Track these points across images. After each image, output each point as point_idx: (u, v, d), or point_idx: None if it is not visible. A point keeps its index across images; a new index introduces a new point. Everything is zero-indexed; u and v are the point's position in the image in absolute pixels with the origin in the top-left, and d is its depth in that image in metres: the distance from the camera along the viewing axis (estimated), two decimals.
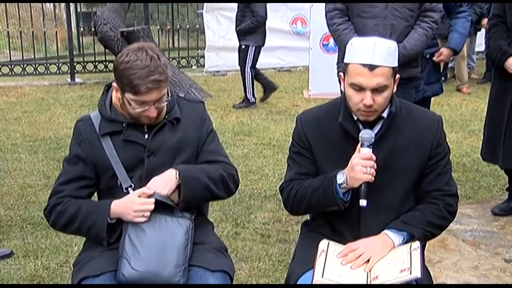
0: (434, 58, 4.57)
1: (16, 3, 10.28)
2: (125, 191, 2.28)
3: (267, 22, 10.80)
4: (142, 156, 2.29)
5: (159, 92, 2.17)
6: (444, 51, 4.60)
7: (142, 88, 2.13)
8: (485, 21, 8.63)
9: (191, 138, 2.37)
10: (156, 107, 2.21)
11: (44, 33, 10.50)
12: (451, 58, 5.77)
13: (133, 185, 2.28)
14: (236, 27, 7.90)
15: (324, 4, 3.90)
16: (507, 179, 4.36)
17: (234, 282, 2.30)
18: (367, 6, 3.58)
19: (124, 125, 2.29)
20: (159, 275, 2.13)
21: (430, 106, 4.70)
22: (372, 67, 2.08)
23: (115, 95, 2.31)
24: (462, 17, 4.60)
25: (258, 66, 10.85)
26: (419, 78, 4.49)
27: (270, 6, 10.76)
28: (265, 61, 10.86)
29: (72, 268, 2.35)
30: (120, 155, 2.28)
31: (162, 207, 2.24)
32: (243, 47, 7.90)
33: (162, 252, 2.16)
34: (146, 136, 2.31)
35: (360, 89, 2.11)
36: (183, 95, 2.48)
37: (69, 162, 2.35)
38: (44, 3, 10.66)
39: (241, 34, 7.87)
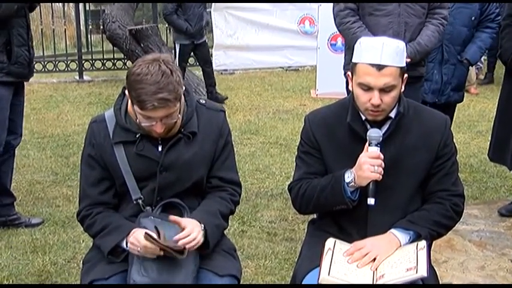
0: None
1: None
2: (134, 202, 2.25)
3: (275, 21, 10.91)
4: (155, 171, 2.24)
5: (167, 110, 2.09)
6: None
7: (148, 105, 2.05)
8: None
9: (207, 152, 2.31)
10: (163, 123, 2.13)
11: (53, 31, 10.54)
12: None
13: (143, 197, 2.25)
14: (204, 23, 7.86)
15: (331, 4, 3.90)
16: None
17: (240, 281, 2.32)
18: (380, 4, 3.58)
19: (137, 135, 2.23)
20: (170, 282, 2.14)
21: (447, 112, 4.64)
22: (380, 67, 2.09)
23: (130, 103, 2.21)
24: (487, 33, 4.54)
25: (266, 65, 10.92)
26: (449, 83, 4.49)
27: (278, 5, 10.84)
28: (272, 60, 10.92)
29: (82, 265, 2.36)
30: (132, 166, 2.23)
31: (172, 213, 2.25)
32: (206, 41, 8.02)
33: (172, 260, 2.15)
34: (160, 149, 2.25)
35: (367, 88, 2.12)
36: (204, 102, 2.38)
37: (86, 165, 2.31)
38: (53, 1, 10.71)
39: (204, 28, 7.91)
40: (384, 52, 2.09)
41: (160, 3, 11.56)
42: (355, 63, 2.16)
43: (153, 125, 2.14)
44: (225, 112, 2.42)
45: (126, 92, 2.18)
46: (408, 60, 3.49)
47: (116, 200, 2.32)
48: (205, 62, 8.07)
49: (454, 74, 4.52)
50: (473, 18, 4.41)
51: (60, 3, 11.07)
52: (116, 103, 2.31)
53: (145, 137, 2.24)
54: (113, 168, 2.26)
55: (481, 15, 4.49)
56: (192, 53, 8.23)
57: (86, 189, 2.31)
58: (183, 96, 2.22)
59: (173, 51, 8.09)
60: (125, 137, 2.25)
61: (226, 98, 7.98)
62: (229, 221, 4.04)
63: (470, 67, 4.88)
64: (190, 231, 2.13)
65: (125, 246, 2.19)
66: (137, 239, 2.11)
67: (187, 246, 2.10)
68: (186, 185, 2.29)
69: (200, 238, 2.16)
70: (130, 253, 2.19)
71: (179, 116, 2.19)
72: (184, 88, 2.21)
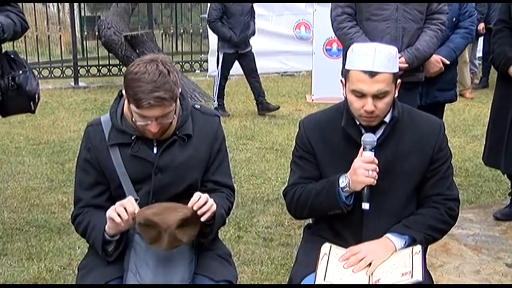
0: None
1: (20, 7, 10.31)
2: None
3: (271, 27, 10.92)
4: (150, 172, 2.25)
5: (162, 109, 2.09)
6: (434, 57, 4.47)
7: (144, 103, 2.07)
8: (481, 25, 8.61)
9: (202, 155, 2.31)
10: (158, 123, 2.14)
11: (48, 37, 10.53)
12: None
13: (139, 198, 2.25)
14: (250, 32, 7.58)
15: (327, 9, 3.90)
16: (509, 184, 4.37)
17: None
18: (377, 9, 3.56)
19: (133, 137, 2.24)
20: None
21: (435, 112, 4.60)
22: (372, 74, 2.09)
23: (126, 104, 2.22)
24: (459, 33, 4.49)
25: (261, 70, 10.89)
26: (433, 84, 4.48)
27: (273, 11, 10.87)
28: (268, 65, 10.92)
29: (77, 271, 2.36)
30: (128, 168, 2.24)
31: None
32: (251, 51, 7.74)
33: (168, 266, 2.15)
34: (155, 151, 2.26)
35: (361, 95, 2.13)
36: (199, 106, 2.39)
37: (81, 170, 2.31)
38: (48, 7, 10.70)
39: (250, 38, 7.68)
40: (376, 59, 2.10)
41: (156, 8, 11.58)
42: (348, 70, 2.17)
43: (148, 124, 2.14)
44: (219, 117, 2.44)
45: (123, 91, 2.20)
46: (406, 65, 3.52)
47: (109, 204, 2.31)
48: (251, 72, 7.75)
49: (437, 75, 4.48)
50: (454, 19, 4.40)
51: (55, 10, 11.08)
52: (112, 106, 2.32)
53: (141, 139, 2.25)
54: (109, 171, 2.26)
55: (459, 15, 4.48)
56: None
57: (80, 194, 2.32)
58: (178, 99, 2.22)
59: (216, 59, 7.77)
60: (121, 139, 2.25)
61: (278, 107, 7.72)
62: (225, 226, 4.08)
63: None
64: (199, 195, 2.11)
65: (109, 238, 2.18)
66: (123, 204, 2.09)
67: (201, 210, 2.09)
68: (180, 187, 2.29)
69: (213, 203, 2.13)
70: (126, 259, 2.19)
71: (174, 116, 2.20)
72: (180, 91, 2.22)
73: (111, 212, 2.10)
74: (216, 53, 7.81)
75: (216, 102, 7.69)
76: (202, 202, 2.09)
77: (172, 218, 2.05)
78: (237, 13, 7.44)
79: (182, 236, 2.07)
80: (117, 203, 2.12)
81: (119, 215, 2.08)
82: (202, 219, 2.10)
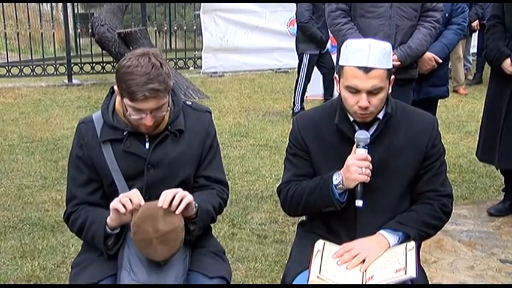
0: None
1: (13, 5, 10.27)
2: None
3: (264, 23, 10.91)
4: (143, 168, 2.25)
5: (157, 101, 2.10)
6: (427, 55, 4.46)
7: (139, 95, 2.07)
8: (475, 22, 8.64)
9: (194, 151, 2.32)
10: (153, 115, 2.14)
11: (41, 35, 10.49)
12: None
13: None
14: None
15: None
16: (503, 180, 4.38)
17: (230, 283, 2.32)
18: (371, 6, 3.57)
19: (125, 133, 2.23)
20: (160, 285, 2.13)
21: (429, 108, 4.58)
22: (367, 69, 2.09)
23: (118, 100, 2.23)
24: (451, 29, 4.50)
25: (255, 67, 10.90)
26: (425, 80, 4.48)
27: (267, 7, 10.85)
28: (262, 62, 10.93)
29: (71, 269, 2.35)
30: (120, 164, 2.23)
31: None
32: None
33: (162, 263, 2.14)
34: (147, 147, 2.25)
35: (355, 91, 2.13)
36: (190, 103, 2.40)
37: (74, 167, 2.30)
38: (41, 5, 10.66)
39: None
40: (370, 55, 2.10)
41: (150, 6, 11.55)
42: (342, 66, 2.17)
43: (142, 118, 2.14)
44: (211, 113, 2.44)
45: (115, 87, 2.19)
46: (398, 63, 3.51)
47: (103, 202, 2.31)
48: (332, 70, 7.40)
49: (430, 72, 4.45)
50: (446, 15, 4.40)
51: (49, 7, 11.03)
52: (104, 103, 2.32)
53: (133, 134, 2.25)
54: (101, 168, 2.25)
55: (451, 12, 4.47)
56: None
57: (74, 191, 2.30)
58: (169, 95, 2.22)
59: (300, 63, 7.49)
60: (113, 135, 2.25)
61: None
62: (219, 223, 4.09)
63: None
64: (166, 193, 2.09)
65: (109, 231, 2.17)
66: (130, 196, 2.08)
67: (173, 205, 2.07)
68: (173, 183, 2.28)
69: (187, 193, 2.11)
70: (120, 256, 2.19)
71: (168, 109, 2.21)
72: (173, 83, 2.22)
73: (115, 203, 2.09)
74: (299, 56, 7.49)
75: (298, 105, 7.40)
76: (170, 197, 2.07)
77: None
78: (323, 13, 7.34)
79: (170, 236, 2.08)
80: (122, 194, 2.11)
81: (124, 206, 2.07)
82: (177, 212, 2.08)
